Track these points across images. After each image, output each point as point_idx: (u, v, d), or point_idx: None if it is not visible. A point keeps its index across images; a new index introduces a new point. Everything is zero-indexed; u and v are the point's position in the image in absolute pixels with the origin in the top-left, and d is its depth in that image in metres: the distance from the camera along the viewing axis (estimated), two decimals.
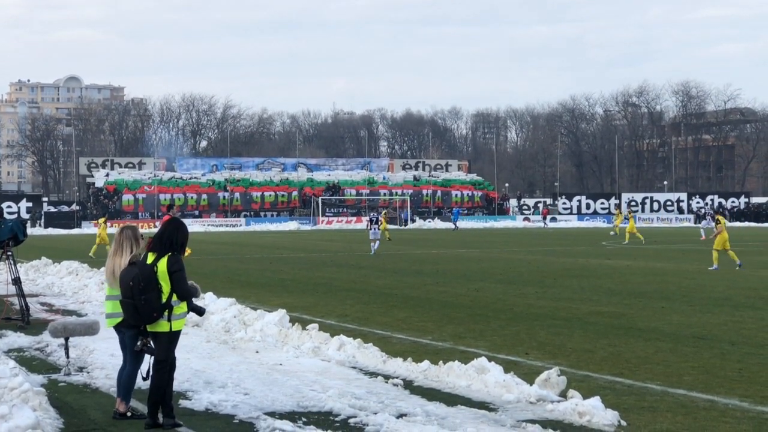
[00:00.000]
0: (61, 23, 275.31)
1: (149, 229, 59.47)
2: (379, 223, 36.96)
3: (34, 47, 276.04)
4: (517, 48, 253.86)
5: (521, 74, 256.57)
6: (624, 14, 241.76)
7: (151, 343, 8.19)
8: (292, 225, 77.71)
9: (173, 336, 8.16)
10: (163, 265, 8.06)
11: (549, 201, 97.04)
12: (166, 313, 8.05)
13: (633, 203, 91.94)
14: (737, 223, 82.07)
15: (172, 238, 8.18)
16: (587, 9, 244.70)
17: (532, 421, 8.27)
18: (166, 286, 8.04)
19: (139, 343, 8.21)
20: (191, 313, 8.49)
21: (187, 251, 8.83)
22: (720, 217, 27.96)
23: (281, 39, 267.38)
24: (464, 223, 79.49)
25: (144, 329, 8.17)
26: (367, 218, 50.61)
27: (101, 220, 38.23)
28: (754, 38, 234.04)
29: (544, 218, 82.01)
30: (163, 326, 8.08)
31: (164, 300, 8.04)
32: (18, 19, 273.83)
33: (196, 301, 8.78)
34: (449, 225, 74.22)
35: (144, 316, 8.02)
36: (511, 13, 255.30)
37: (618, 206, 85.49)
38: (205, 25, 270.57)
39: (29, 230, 61.59)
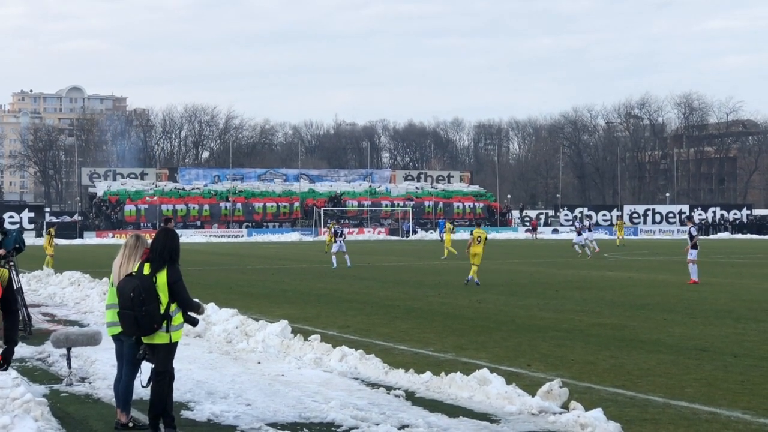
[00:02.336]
0: (64, 34, 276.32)
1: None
2: (344, 235, 36.15)
3: (37, 57, 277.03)
4: (520, 60, 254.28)
5: (524, 86, 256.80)
6: (628, 27, 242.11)
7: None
8: (293, 236, 77.71)
9: (172, 347, 8.17)
10: (162, 277, 8.07)
11: (551, 212, 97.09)
12: (165, 325, 8.07)
13: (621, 215, 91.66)
14: (739, 235, 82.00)
15: (173, 250, 8.20)
16: (591, 21, 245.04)
17: None
18: (164, 297, 8.06)
19: (140, 352, 8.21)
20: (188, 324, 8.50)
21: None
22: (478, 231, 27.69)
23: (283, 50, 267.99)
24: (465, 235, 79.21)
25: (139, 339, 8.19)
26: (331, 230, 44.39)
27: (51, 231, 36.98)
28: (756, 50, 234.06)
29: (534, 230, 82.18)
30: (162, 338, 8.08)
31: (163, 311, 8.06)
32: (21, 30, 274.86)
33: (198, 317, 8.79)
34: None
35: (144, 327, 8.01)
36: (515, 24, 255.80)
37: (620, 217, 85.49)
38: (207, 36, 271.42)
39: (34, 240, 62.08)
